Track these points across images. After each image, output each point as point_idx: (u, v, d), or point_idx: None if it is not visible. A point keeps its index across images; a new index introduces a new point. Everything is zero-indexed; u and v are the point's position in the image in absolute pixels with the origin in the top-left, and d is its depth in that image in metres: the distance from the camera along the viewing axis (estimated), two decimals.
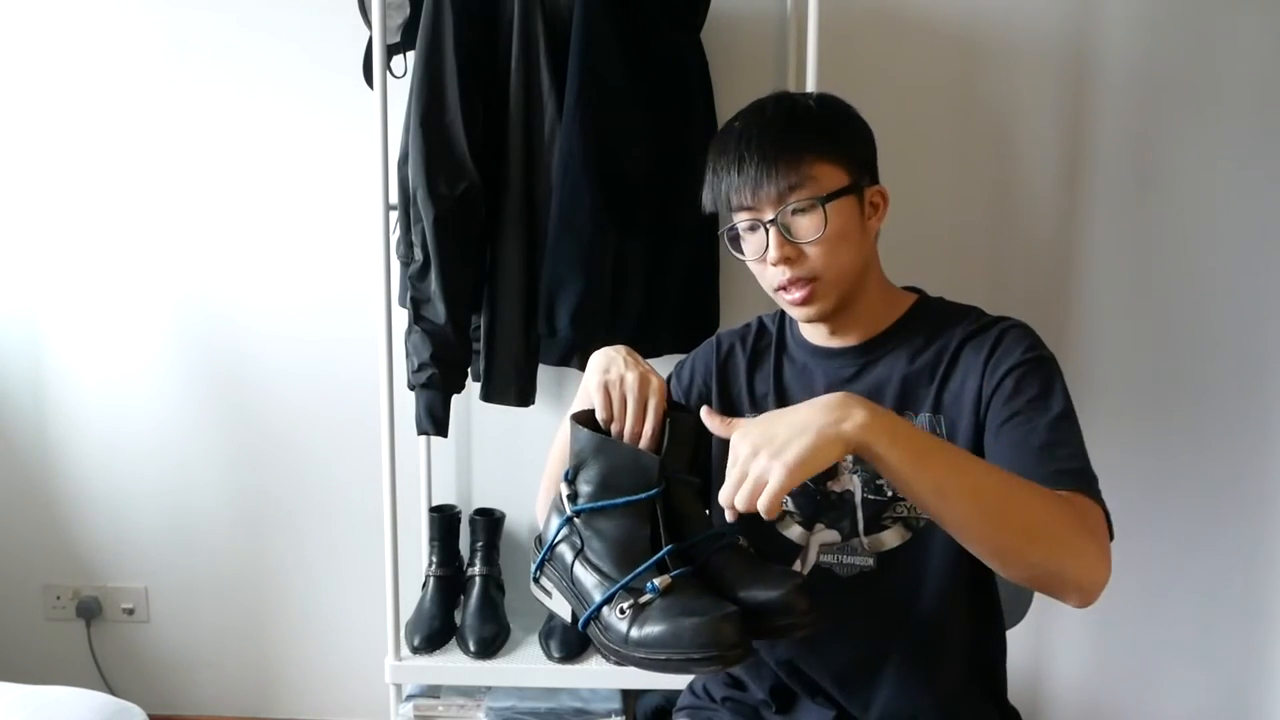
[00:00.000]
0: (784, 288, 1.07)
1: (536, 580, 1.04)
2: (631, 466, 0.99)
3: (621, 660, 0.93)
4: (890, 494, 1.08)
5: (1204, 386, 1.93)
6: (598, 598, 0.95)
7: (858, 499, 1.10)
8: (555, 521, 1.03)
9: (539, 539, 1.06)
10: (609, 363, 1.05)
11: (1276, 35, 1.83)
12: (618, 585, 0.94)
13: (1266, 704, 1.99)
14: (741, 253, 1.10)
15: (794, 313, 1.11)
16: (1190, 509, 1.96)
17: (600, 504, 0.98)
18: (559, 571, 1.01)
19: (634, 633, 0.91)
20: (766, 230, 1.05)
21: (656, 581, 0.92)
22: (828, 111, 1.10)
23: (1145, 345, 1.93)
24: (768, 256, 1.05)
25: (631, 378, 1.02)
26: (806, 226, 1.04)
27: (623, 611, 0.92)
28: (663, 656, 0.89)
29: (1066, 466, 0.97)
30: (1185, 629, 1.99)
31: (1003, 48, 1.86)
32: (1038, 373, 1.03)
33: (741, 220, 1.08)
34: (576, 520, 1.00)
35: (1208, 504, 1.95)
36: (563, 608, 1.01)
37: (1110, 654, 2.02)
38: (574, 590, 0.99)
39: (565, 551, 1.01)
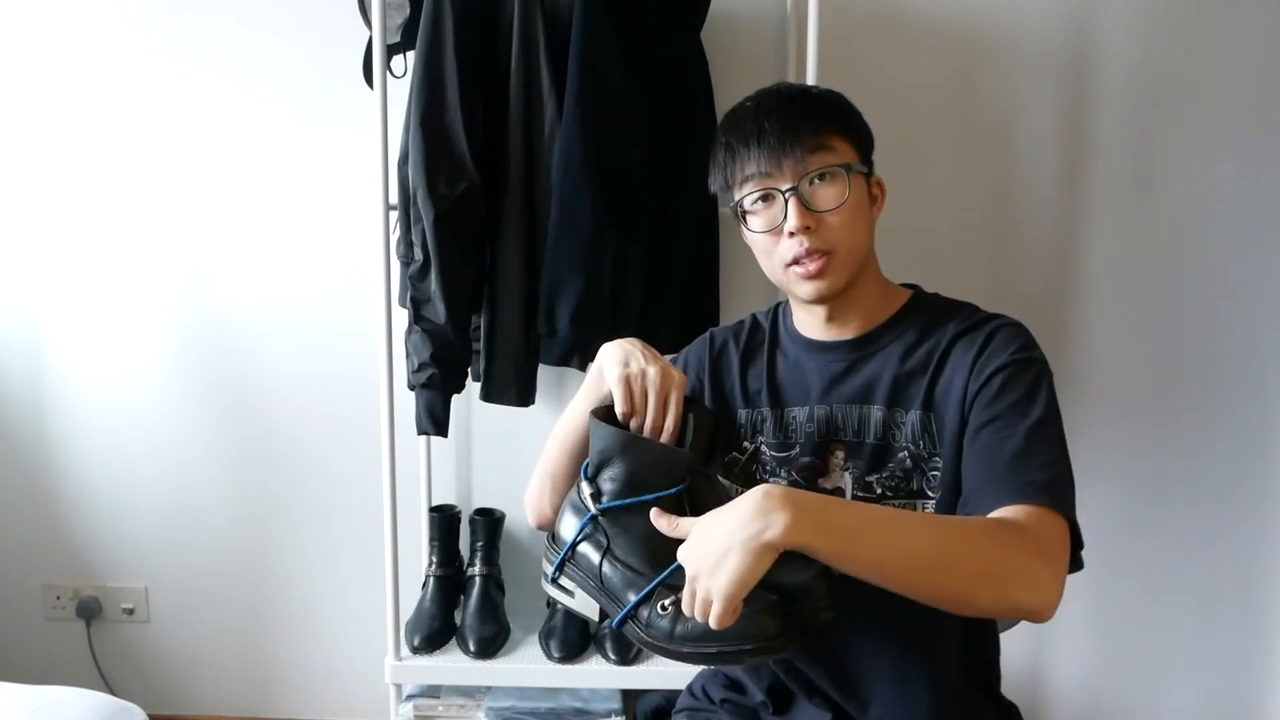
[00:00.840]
0: (797, 260, 1.06)
1: (555, 580, 1.03)
2: (660, 463, 0.98)
3: (666, 655, 0.92)
4: (879, 492, 1.08)
5: (1204, 386, 1.93)
6: (632, 596, 0.94)
7: (847, 496, 1.10)
8: (575, 521, 1.01)
9: (553, 536, 1.05)
10: (627, 356, 1.04)
11: (1276, 35, 1.83)
12: (656, 581, 0.94)
13: (1266, 704, 1.99)
14: (751, 227, 1.10)
15: (803, 288, 1.09)
16: (1190, 509, 1.95)
17: (630, 501, 0.97)
18: (584, 571, 1.00)
19: (679, 628, 0.91)
20: (785, 200, 1.05)
21: None
22: (836, 99, 1.13)
23: (1145, 345, 1.93)
24: (786, 226, 1.05)
25: (653, 372, 1.02)
26: (827, 195, 1.05)
27: (664, 608, 0.92)
28: (713, 649, 0.89)
29: (1036, 478, 0.96)
30: (1185, 629, 1.99)
31: (1003, 48, 1.86)
32: (1024, 375, 1.03)
33: (755, 192, 1.07)
34: (601, 519, 0.99)
35: (1208, 504, 1.95)
36: (588, 607, 1.00)
37: (1110, 654, 2.02)
38: (604, 589, 0.98)
39: (590, 551, 0.99)
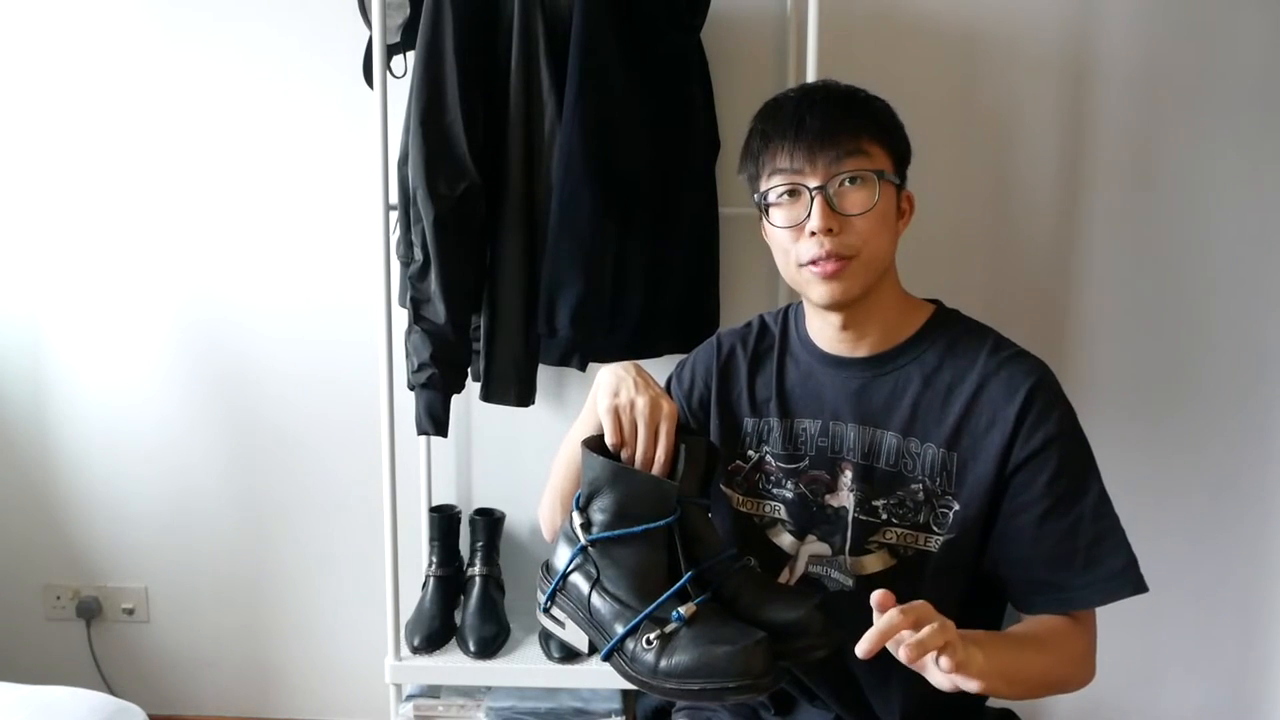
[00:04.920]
0: (815, 260, 1.02)
1: (547, 610, 1.02)
2: (649, 494, 0.97)
3: (650, 690, 0.91)
4: (884, 517, 1.07)
5: (1203, 386, 1.93)
6: (619, 629, 0.93)
7: (850, 517, 1.09)
8: (567, 551, 1.01)
9: (546, 566, 1.04)
10: (618, 384, 1.02)
11: (1276, 35, 1.83)
12: (642, 615, 0.93)
13: (1266, 704, 1.99)
14: (772, 221, 1.06)
15: (817, 290, 1.05)
16: (1189, 509, 1.95)
17: (618, 533, 0.97)
18: (574, 602, 0.99)
19: (663, 664, 0.90)
20: (812, 198, 1.01)
21: (682, 610, 0.91)
22: (881, 105, 1.09)
23: (1144, 345, 1.93)
24: (809, 225, 1.01)
25: (642, 403, 1.00)
26: (855, 199, 1.02)
27: (649, 642, 0.91)
28: (695, 686, 0.88)
29: (1111, 565, 1.02)
30: (1184, 629, 1.99)
31: (1003, 48, 1.86)
32: (1076, 445, 1.04)
33: (781, 186, 1.04)
34: (591, 549, 0.98)
35: (1207, 504, 1.95)
36: (578, 639, 0.99)
37: (1110, 654, 2.00)
38: (592, 621, 0.97)
39: (580, 582, 0.99)
